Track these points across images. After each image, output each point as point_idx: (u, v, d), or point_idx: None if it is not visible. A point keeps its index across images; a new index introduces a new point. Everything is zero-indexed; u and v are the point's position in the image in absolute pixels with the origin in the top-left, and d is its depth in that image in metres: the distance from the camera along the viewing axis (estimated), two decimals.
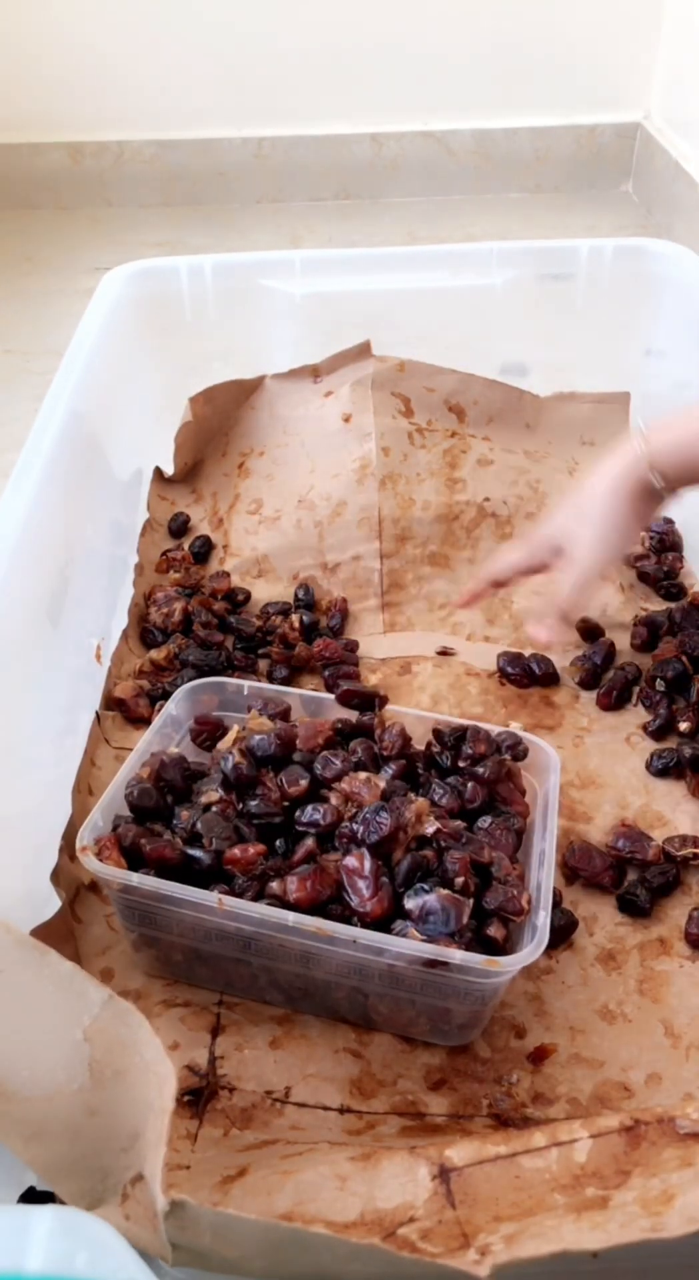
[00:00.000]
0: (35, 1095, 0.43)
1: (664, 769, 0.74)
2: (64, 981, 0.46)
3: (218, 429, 1.01)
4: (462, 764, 0.62)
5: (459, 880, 0.55)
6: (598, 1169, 0.44)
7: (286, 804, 0.59)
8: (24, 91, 1.74)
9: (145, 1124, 0.42)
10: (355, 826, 0.56)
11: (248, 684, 0.69)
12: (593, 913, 0.66)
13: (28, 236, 1.76)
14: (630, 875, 0.68)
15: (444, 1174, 0.44)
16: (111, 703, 0.79)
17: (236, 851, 0.56)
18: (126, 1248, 0.34)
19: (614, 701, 0.79)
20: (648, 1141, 0.45)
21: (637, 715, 0.80)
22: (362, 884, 0.54)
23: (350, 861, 0.54)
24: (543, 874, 0.57)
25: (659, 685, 0.79)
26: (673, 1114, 0.46)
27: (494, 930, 0.55)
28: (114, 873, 0.55)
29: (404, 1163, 0.45)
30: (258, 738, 0.61)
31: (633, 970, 0.63)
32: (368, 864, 0.54)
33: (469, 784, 0.60)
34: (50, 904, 0.61)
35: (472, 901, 0.54)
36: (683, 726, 0.76)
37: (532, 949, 0.52)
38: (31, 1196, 0.47)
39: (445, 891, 0.53)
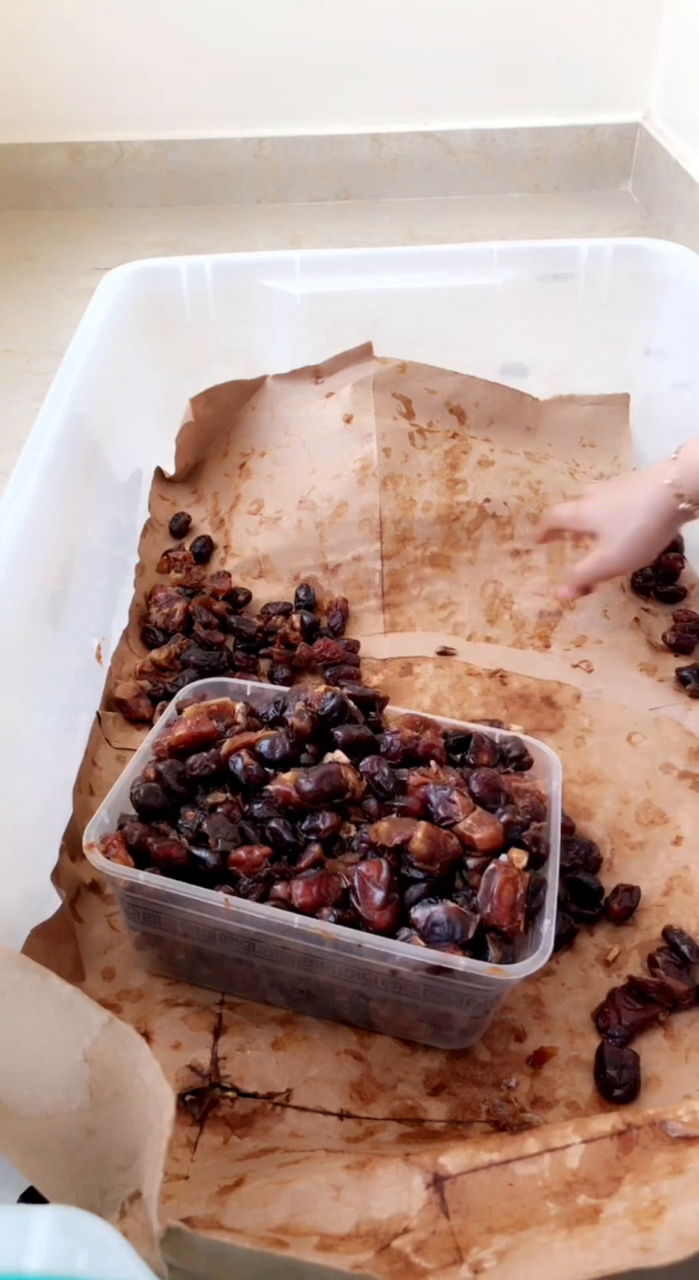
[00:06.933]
0: (35, 1114, 0.44)
1: None
2: (64, 1004, 0.46)
3: (219, 429, 1.01)
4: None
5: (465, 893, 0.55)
6: (590, 1175, 0.44)
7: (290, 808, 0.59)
8: (24, 91, 1.74)
9: (143, 1144, 0.42)
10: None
11: (250, 684, 0.69)
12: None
13: (28, 236, 1.76)
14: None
15: (438, 1182, 0.44)
16: (112, 703, 0.79)
17: (242, 853, 0.56)
18: (127, 1248, 0.34)
19: None
20: (640, 1146, 0.45)
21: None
22: (376, 892, 0.53)
23: (367, 869, 0.54)
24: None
25: None
26: (664, 1117, 0.46)
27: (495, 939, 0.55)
28: (121, 870, 0.55)
29: (398, 1171, 0.45)
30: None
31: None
32: (384, 873, 0.54)
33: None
34: (50, 904, 0.61)
35: (478, 916, 0.53)
36: None
37: (536, 957, 0.52)
38: (32, 1196, 0.47)
39: (452, 904, 0.53)
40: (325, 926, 0.52)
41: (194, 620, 0.85)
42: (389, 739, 0.61)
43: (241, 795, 0.60)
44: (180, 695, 0.68)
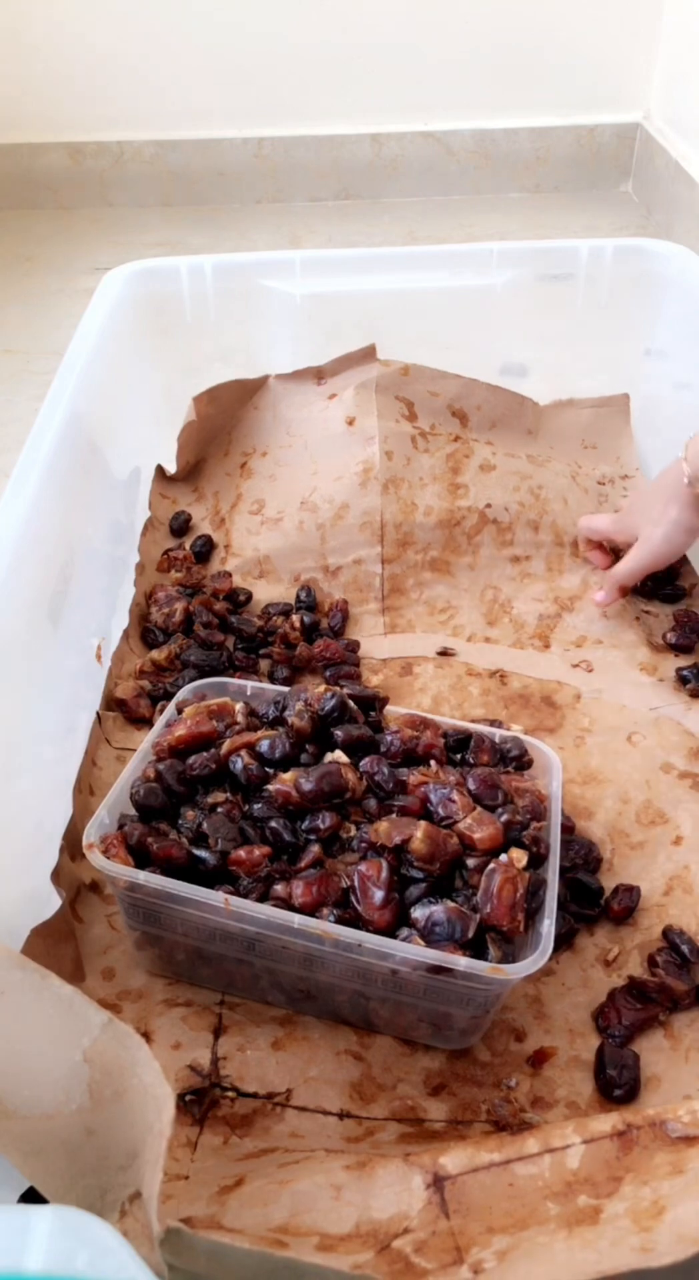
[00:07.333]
0: (35, 1114, 0.44)
1: None
2: (64, 1004, 0.46)
3: (221, 428, 1.01)
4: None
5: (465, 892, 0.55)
6: (590, 1175, 0.44)
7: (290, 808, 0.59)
8: (24, 91, 1.74)
9: (143, 1145, 0.42)
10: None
11: (250, 684, 0.69)
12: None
13: (28, 236, 1.76)
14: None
15: (438, 1182, 0.44)
16: (112, 703, 0.79)
17: (242, 853, 0.55)
18: (127, 1248, 0.34)
19: None
20: (640, 1146, 0.45)
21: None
22: (376, 892, 0.53)
23: (367, 868, 0.54)
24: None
25: None
26: (664, 1117, 0.46)
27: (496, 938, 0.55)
28: (121, 870, 0.55)
29: (398, 1171, 0.45)
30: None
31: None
32: (384, 873, 0.54)
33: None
34: (50, 904, 0.61)
35: (478, 916, 0.53)
36: None
37: (536, 957, 0.52)
38: (32, 1196, 0.47)
39: (452, 904, 0.53)
40: (325, 926, 0.52)
41: (194, 620, 0.85)
42: (389, 739, 0.62)
43: (241, 795, 0.60)
44: (180, 695, 0.68)
